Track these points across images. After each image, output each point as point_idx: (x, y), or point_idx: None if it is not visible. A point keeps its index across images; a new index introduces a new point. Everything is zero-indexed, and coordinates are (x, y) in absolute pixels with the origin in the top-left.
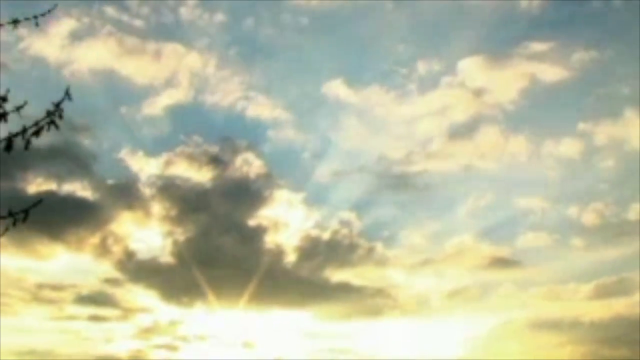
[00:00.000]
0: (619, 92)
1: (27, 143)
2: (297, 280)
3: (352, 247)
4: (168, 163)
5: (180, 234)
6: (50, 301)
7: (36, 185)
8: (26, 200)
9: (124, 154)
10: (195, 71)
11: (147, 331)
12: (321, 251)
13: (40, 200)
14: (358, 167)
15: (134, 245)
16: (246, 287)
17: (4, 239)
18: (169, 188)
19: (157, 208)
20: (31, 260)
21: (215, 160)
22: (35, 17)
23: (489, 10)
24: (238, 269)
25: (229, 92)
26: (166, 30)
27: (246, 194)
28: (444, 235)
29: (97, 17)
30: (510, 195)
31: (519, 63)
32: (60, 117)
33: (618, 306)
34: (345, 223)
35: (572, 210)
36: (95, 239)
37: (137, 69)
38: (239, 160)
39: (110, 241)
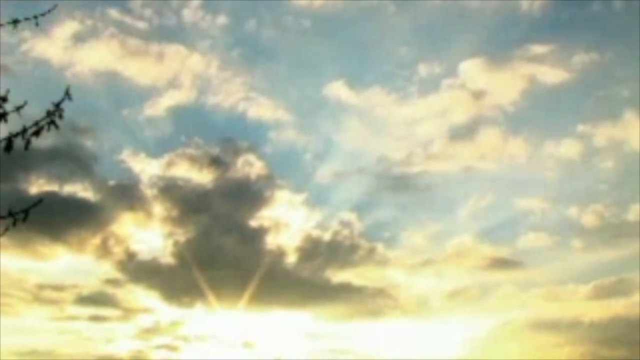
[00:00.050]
0: (619, 94)
1: (27, 143)
2: (298, 281)
3: (353, 248)
4: (169, 164)
5: (181, 235)
6: (51, 301)
7: (38, 186)
8: (28, 201)
9: (126, 155)
10: (198, 72)
11: (148, 331)
12: (322, 252)
13: (41, 200)
14: (359, 168)
15: (135, 246)
16: (247, 287)
17: (5, 240)
18: (170, 189)
19: (159, 209)
20: (32, 261)
21: (216, 162)
22: (36, 17)
23: (489, 12)
24: (239, 270)
25: (231, 94)
26: (169, 31)
27: (247, 194)
28: (445, 236)
29: (100, 19)
30: (510, 196)
31: (520, 65)
32: (61, 117)
33: (617, 307)
34: (346, 224)
35: (572, 211)
36: (96, 240)
37: (140, 70)
38: (240, 162)
39: (111, 242)
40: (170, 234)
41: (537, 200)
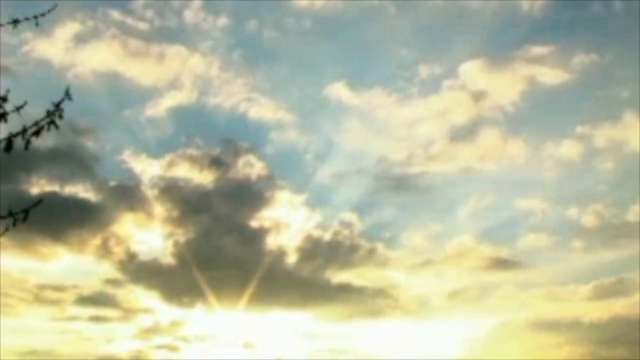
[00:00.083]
0: (619, 94)
1: (27, 143)
2: (298, 281)
3: (353, 248)
4: (170, 165)
5: (182, 235)
6: (52, 302)
7: (39, 186)
8: (29, 202)
9: (127, 155)
10: (199, 73)
11: (148, 332)
12: (322, 252)
13: (41, 200)
14: (359, 168)
15: (136, 247)
16: (247, 287)
17: (6, 240)
18: (171, 189)
19: (159, 209)
20: (33, 261)
21: (217, 162)
22: (36, 17)
23: (489, 14)
24: (239, 270)
25: (232, 94)
26: (170, 32)
27: (248, 195)
28: (445, 237)
29: (101, 20)
30: (510, 197)
31: (520, 66)
32: (61, 117)
33: (617, 307)
34: (346, 224)
35: (572, 212)
36: (96, 240)
37: (141, 71)
38: (240, 162)
39: (111, 242)
40: (170, 235)
41: (537, 200)
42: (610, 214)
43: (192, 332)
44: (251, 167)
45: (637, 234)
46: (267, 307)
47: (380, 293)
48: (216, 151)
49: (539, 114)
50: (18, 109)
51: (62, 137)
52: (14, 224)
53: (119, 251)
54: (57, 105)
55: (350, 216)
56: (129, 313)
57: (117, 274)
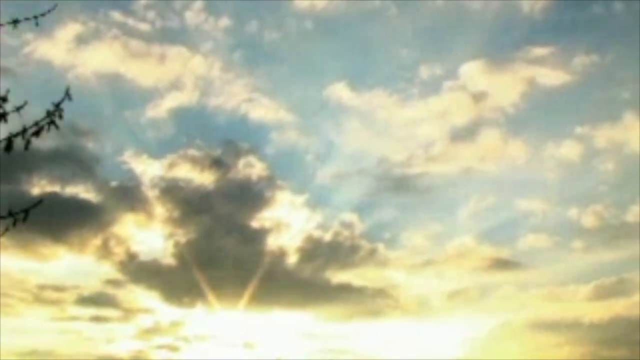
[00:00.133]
0: (619, 95)
1: (27, 143)
2: (299, 281)
3: (354, 248)
4: (171, 165)
5: (182, 236)
6: (52, 302)
7: (40, 187)
8: (29, 203)
9: (128, 156)
10: (200, 74)
11: (148, 332)
12: (323, 252)
13: (41, 200)
14: (360, 169)
15: (136, 247)
16: (247, 288)
17: (6, 240)
18: (171, 190)
19: (160, 210)
20: (33, 261)
21: (218, 163)
22: (36, 17)
23: (490, 14)
24: (239, 270)
25: (233, 95)
26: (171, 33)
27: (248, 196)
28: (445, 237)
29: (103, 21)
30: (510, 198)
31: (520, 67)
32: (60, 117)
33: (617, 307)
34: (346, 224)
35: (572, 212)
36: (97, 241)
37: (142, 72)
38: (241, 163)
39: (112, 243)
40: (171, 235)
41: (538, 201)
42: (610, 215)
43: (192, 332)
44: (252, 167)
45: (637, 234)
46: (267, 307)
47: (381, 293)
48: (217, 152)
49: (539, 115)
50: (18, 109)
51: (63, 138)
52: (14, 224)
53: (119, 251)
54: (57, 106)
55: (350, 217)
56: (129, 313)
57: (117, 274)
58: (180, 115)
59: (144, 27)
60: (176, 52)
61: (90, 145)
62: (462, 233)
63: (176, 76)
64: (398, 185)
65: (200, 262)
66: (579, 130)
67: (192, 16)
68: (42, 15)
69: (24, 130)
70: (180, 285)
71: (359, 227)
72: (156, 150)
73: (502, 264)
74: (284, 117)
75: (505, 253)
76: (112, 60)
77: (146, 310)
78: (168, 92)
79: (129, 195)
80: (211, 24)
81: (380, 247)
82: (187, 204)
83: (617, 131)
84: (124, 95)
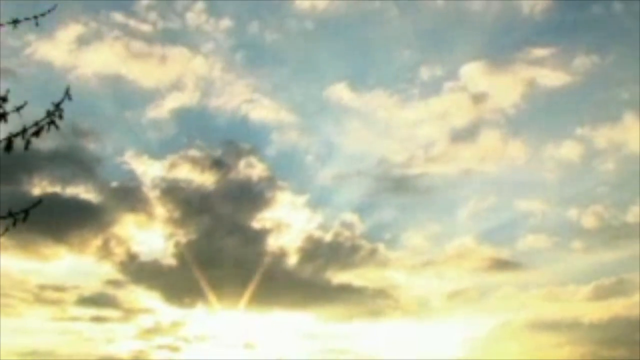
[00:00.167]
0: (619, 96)
1: (27, 143)
2: (299, 282)
3: (354, 249)
4: (172, 166)
5: (183, 236)
6: (53, 302)
7: (41, 188)
8: (30, 203)
9: (128, 157)
10: (201, 75)
11: (149, 332)
12: (323, 252)
13: (40, 200)
14: (360, 169)
15: (137, 247)
16: (248, 288)
17: (7, 240)
18: (172, 191)
19: (160, 210)
20: (34, 262)
21: (218, 164)
22: (36, 17)
23: (491, 16)
24: (240, 270)
25: (234, 96)
26: (172, 34)
27: (249, 196)
28: (445, 237)
29: (104, 22)
30: (510, 198)
31: (521, 68)
32: (60, 117)
33: (617, 307)
34: (347, 225)
35: (572, 213)
36: (98, 241)
37: (143, 72)
38: (242, 164)
39: (113, 243)
40: (171, 235)
41: (538, 201)
42: (610, 215)
43: (192, 332)
44: (252, 168)
45: (637, 234)
46: (267, 308)
47: (381, 293)
48: (218, 152)
49: (539, 116)
50: (18, 109)
51: (63, 138)
52: (14, 224)
53: (120, 252)
54: (57, 106)
55: (351, 217)
56: (129, 313)
57: (118, 275)
58: (181, 115)
59: (145, 28)
60: (177, 53)
61: (91, 145)
62: (462, 233)
63: (177, 77)
64: (398, 185)
65: (201, 263)
66: (579, 130)
67: (193, 17)
68: (42, 15)
69: (24, 131)
70: (180, 286)
71: (360, 227)
72: (157, 151)
73: (502, 265)
74: (285, 117)
75: (505, 253)
76: (113, 61)
77: (147, 311)
78: (169, 93)
79: (129, 195)
80: (212, 24)
81: (381, 247)
82: (188, 204)
83: (617, 132)
84: (125, 96)
